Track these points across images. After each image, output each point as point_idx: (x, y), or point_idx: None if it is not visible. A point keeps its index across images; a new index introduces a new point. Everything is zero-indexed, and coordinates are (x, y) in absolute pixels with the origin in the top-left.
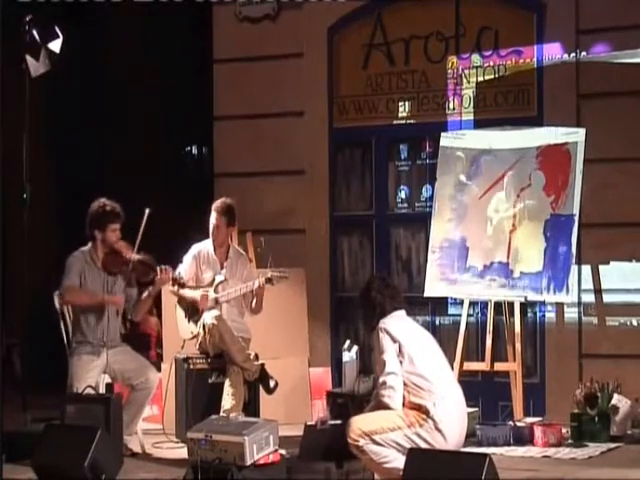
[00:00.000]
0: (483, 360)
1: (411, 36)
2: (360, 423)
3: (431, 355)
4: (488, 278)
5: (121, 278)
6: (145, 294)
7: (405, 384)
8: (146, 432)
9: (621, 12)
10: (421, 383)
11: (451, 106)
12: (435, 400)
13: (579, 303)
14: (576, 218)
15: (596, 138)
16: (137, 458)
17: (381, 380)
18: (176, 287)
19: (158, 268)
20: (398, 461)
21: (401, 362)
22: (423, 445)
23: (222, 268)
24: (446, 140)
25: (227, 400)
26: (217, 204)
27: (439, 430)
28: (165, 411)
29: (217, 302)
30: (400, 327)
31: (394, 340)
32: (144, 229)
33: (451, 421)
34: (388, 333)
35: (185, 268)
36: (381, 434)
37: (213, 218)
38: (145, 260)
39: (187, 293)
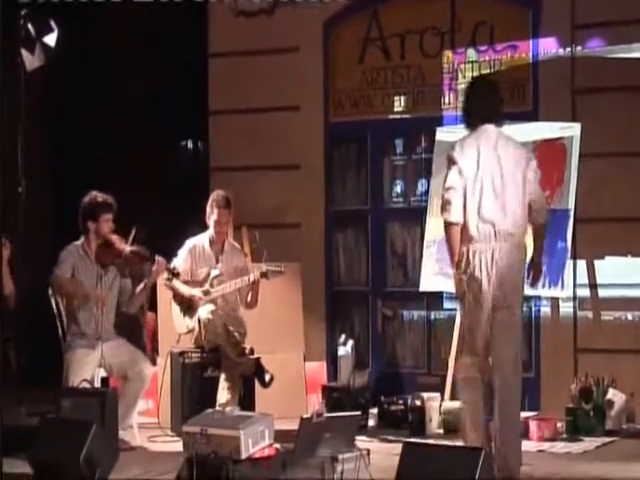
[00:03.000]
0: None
1: (407, 31)
2: None
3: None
4: None
5: (114, 270)
6: (140, 286)
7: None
8: (141, 426)
9: (616, 7)
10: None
11: (447, 101)
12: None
13: (574, 298)
14: (571, 213)
15: (591, 133)
16: (132, 452)
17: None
18: (171, 277)
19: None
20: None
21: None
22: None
23: (217, 262)
24: (442, 135)
25: (222, 394)
26: (218, 199)
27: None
28: (160, 405)
29: (210, 296)
30: (470, 153)
31: (461, 171)
32: (132, 240)
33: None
34: (453, 161)
35: (180, 262)
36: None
37: (216, 214)
38: (139, 251)
39: (183, 290)
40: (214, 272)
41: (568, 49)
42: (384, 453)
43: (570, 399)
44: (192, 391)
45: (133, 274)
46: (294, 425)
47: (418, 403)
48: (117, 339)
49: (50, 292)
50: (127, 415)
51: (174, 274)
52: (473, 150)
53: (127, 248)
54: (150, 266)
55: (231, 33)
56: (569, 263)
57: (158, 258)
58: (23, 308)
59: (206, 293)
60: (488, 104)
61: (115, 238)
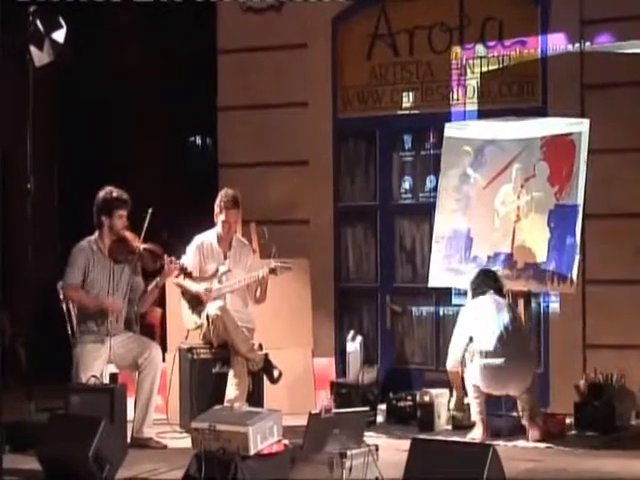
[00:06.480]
0: None
1: (415, 27)
2: None
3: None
4: (492, 269)
5: (127, 267)
6: (152, 285)
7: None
8: None
9: (625, 2)
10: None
11: (455, 97)
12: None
13: (583, 294)
14: (580, 208)
15: (600, 128)
16: (139, 448)
17: None
18: (182, 277)
19: (165, 258)
20: None
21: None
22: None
23: (226, 258)
24: (450, 131)
25: (231, 390)
26: (226, 199)
27: None
28: (169, 401)
29: (218, 292)
30: (476, 315)
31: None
32: (147, 226)
33: None
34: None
35: (188, 259)
36: None
37: (224, 215)
38: (152, 249)
39: (191, 286)
40: (222, 268)
41: (577, 44)
42: (392, 449)
43: (579, 395)
44: (200, 387)
45: (145, 271)
46: (302, 421)
47: (427, 399)
48: (126, 333)
49: (61, 297)
50: (147, 409)
51: (187, 274)
52: None
53: (141, 245)
54: (162, 265)
55: (239, 29)
56: (578, 259)
57: (171, 258)
58: (33, 304)
59: (214, 289)
60: None
61: (129, 234)
